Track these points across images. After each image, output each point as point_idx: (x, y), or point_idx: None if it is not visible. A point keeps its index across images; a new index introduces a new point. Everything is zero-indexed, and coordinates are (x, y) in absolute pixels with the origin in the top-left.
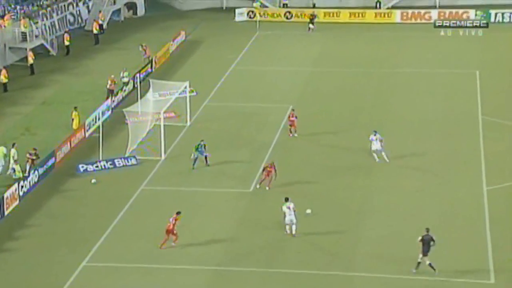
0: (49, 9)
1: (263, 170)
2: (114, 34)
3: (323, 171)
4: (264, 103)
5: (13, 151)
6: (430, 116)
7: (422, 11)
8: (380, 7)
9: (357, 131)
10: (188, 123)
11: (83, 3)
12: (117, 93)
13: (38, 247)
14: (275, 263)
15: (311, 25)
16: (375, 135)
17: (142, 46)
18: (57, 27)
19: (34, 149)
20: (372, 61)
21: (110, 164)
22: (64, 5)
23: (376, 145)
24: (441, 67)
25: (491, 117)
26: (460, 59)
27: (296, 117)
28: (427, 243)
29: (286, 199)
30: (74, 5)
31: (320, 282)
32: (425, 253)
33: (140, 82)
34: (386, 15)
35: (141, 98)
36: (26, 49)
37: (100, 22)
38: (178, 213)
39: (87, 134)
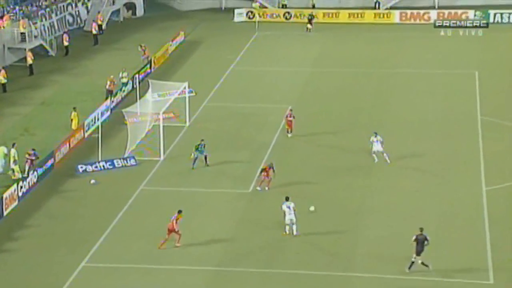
0: (48, 9)
1: (261, 171)
2: (113, 35)
3: (322, 171)
4: (264, 103)
5: (13, 151)
6: (430, 117)
7: (421, 11)
8: (379, 8)
9: (357, 132)
10: (188, 124)
11: (82, 4)
12: (116, 94)
13: (37, 248)
14: (275, 263)
15: (309, 25)
16: (375, 136)
17: (141, 46)
18: (56, 27)
19: (33, 149)
20: (372, 62)
21: (109, 165)
22: (63, 6)
23: (377, 147)
24: (440, 67)
25: (490, 118)
26: (460, 59)
27: (294, 117)
28: (421, 243)
29: (287, 199)
30: (73, 5)
31: (319, 282)
32: (418, 253)
33: (139, 83)
34: (385, 16)
35: (140, 98)
36: (25, 49)
37: (99, 22)
38: (179, 212)
39: (86, 135)
